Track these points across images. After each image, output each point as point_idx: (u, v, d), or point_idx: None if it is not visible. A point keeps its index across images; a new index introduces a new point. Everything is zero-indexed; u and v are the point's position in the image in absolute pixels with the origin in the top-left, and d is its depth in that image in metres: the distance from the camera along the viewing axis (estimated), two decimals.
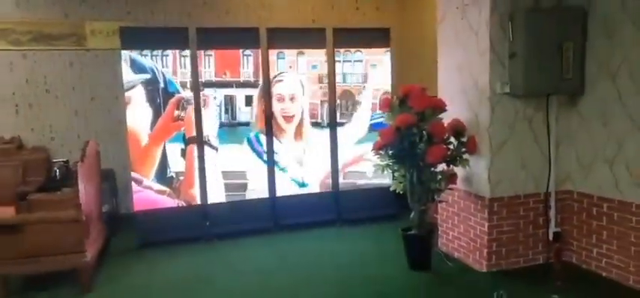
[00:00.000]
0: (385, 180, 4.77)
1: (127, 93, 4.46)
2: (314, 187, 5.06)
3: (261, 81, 4.86)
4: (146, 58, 4.52)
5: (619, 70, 3.35)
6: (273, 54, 4.87)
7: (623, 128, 3.34)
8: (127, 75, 4.46)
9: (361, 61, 5.15)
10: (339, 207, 5.10)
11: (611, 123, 3.44)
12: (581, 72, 3.58)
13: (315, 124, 5.04)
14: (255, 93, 4.84)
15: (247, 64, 4.84)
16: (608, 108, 3.45)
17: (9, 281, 3.48)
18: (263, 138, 4.89)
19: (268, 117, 4.91)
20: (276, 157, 4.92)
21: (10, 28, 5.05)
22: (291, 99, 4.95)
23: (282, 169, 4.96)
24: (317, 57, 5.01)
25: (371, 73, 5.16)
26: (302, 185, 5.01)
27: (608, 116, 3.45)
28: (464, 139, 3.69)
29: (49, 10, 5.14)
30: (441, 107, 3.74)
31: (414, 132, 3.69)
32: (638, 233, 3.26)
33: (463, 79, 3.85)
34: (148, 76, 4.52)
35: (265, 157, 4.88)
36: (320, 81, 5.03)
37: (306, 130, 5.01)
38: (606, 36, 3.44)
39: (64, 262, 3.46)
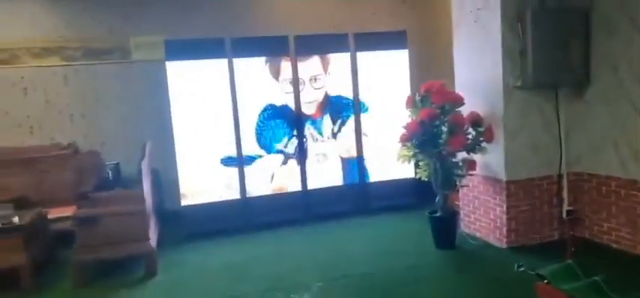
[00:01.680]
0: (407, 173, 5.24)
1: None
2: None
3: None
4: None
5: (619, 62, 3.74)
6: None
7: (626, 112, 3.73)
8: None
9: None
10: (366, 198, 5.55)
11: (615, 109, 3.82)
12: (586, 65, 3.94)
13: None
14: None
15: None
16: (612, 95, 3.83)
17: (86, 269, 3.93)
18: None
19: None
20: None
21: (64, 45, 5.61)
22: None
23: None
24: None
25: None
26: None
27: (612, 103, 3.84)
28: (481, 129, 4.07)
29: (96, 27, 5.68)
30: (459, 101, 4.14)
31: (437, 124, 4.11)
32: None
33: (478, 75, 4.25)
34: None
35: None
36: None
37: None
38: (607, 32, 3.83)
39: (133, 248, 3.94)
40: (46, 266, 4.24)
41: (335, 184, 5.50)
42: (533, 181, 4.10)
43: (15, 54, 5.48)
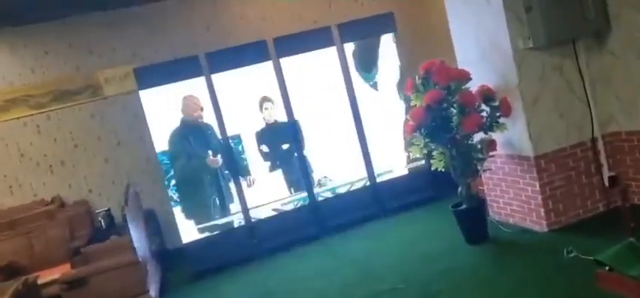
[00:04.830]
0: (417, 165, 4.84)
1: None
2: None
3: None
4: None
5: None
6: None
7: None
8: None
9: None
10: (379, 200, 5.09)
11: None
12: (603, 9, 3.49)
13: None
14: None
15: None
16: (639, 39, 3.36)
17: None
18: None
19: None
20: None
21: (30, 93, 5.19)
22: None
23: None
24: None
25: None
26: None
27: None
28: (496, 103, 3.64)
29: (61, 68, 5.27)
30: (465, 77, 3.71)
31: (445, 107, 3.68)
32: None
33: (481, 44, 3.81)
34: None
35: None
36: None
37: None
38: None
39: None
40: None
41: (344, 191, 5.06)
42: (564, 151, 3.64)
43: None
